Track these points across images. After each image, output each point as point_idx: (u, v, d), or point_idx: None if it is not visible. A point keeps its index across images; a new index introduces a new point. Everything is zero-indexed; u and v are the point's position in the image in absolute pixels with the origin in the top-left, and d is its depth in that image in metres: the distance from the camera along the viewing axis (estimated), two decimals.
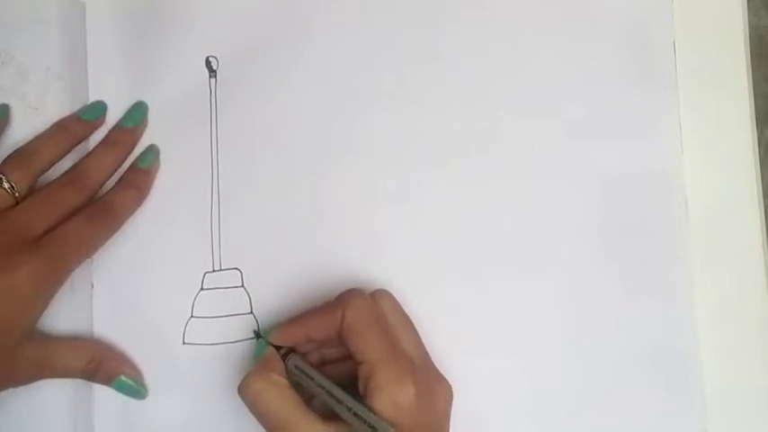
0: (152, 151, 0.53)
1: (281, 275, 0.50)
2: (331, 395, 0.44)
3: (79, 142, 0.52)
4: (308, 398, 0.46)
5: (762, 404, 0.50)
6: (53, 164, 0.51)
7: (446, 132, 0.52)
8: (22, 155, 0.50)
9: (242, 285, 0.52)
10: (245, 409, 0.50)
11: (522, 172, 0.52)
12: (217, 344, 0.51)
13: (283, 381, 0.45)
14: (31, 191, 0.49)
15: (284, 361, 0.46)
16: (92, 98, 0.53)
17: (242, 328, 0.51)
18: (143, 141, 0.53)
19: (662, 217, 0.51)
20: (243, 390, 0.45)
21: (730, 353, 0.50)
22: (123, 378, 0.50)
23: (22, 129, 0.51)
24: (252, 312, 0.51)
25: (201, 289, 0.52)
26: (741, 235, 0.51)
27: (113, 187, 0.51)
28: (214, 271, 0.52)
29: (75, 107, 0.52)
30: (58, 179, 0.50)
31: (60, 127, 0.51)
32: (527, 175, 0.52)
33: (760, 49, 0.56)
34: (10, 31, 0.52)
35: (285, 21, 0.53)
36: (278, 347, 0.47)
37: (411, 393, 0.43)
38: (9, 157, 0.49)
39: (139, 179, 0.52)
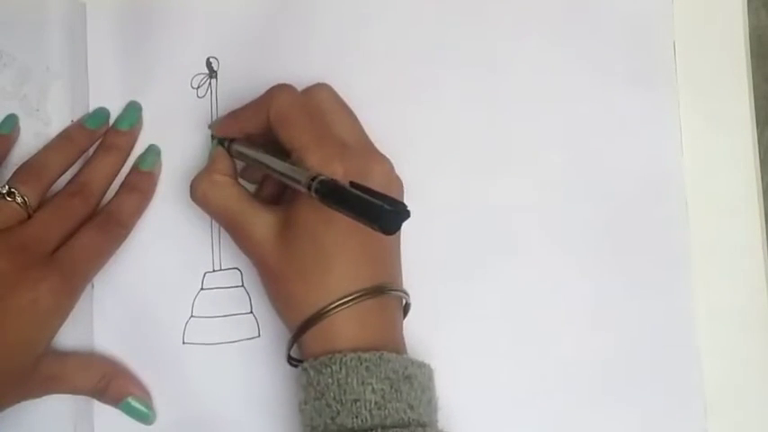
0: (153, 152, 0.53)
1: None
2: (268, 166, 0.46)
3: (85, 152, 0.52)
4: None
5: (762, 404, 0.50)
6: (61, 175, 0.51)
7: (445, 132, 0.52)
8: (31, 168, 0.50)
9: (242, 285, 0.52)
10: (246, 409, 0.50)
11: (522, 172, 0.52)
12: (217, 343, 0.51)
13: (226, 178, 0.48)
14: (41, 203, 0.49)
15: (230, 152, 0.49)
16: (92, 98, 0.53)
17: (242, 328, 0.51)
18: (144, 142, 0.53)
19: (662, 217, 0.51)
20: (192, 194, 0.48)
21: (730, 353, 0.50)
22: (131, 400, 0.50)
23: (23, 130, 0.51)
24: (252, 312, 0.51)
25: (201, 289, 0.52)
26: (741, 235, 0.51)
27: (118, 192, 0.51)
28: (214, 271, 0.52)
29: (76, 107, 0.52)
30: (64, 190, 0.50)
31: (66, 137, 0.51)
32: (526, 175, 0.52)
33: (760, 49, 0.56)
34: (10, 31, 0.52)
35: (285, 21, 0.53)
36: (224, 143, 0.49)
37: (339, 172, 0.44)
38: (19, 170, 0.50)
39: (142, 182, 0.52)
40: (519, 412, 0.50)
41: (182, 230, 0.52)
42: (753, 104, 0.51)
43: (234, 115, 0.49)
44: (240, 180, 0.50)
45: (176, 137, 0.53)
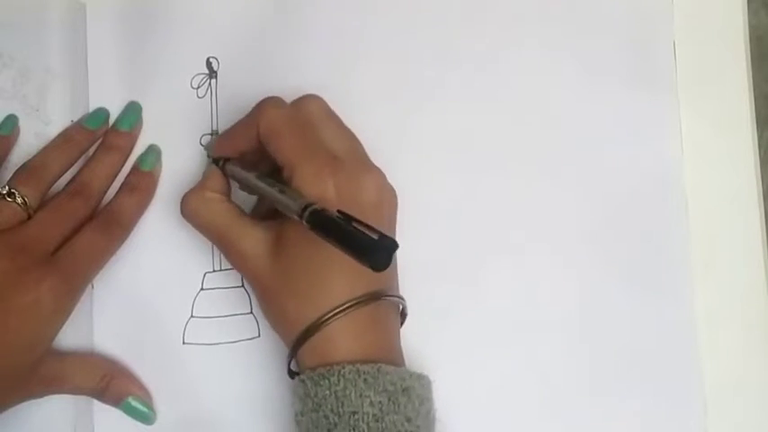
0: (153, 152, 0.53)
1: None
2: (258, 187, 0.46)
3: (84, 152, 0.52)
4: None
5: (762, 404, 0.50)
6: (61, 176, 0.51)
7: (445, 133, 0.52)
8: (32, 169, 0.50)
9: (242, 285, 0.52)
10: (246, 409, 0.50)
11: (523, 172, 0.52)
12: (217, 344, 0.51)
13: (216, 195, 0.48)
14: (42, 204, 0.49)
15: (224, 172, 0.48)
16: (92, 98, 0.53)
17: (242, 328, 0.51)
18: (144, 142, 0.53)
19: (662, 217, 0.51)
20: (182, 209, 0.48)
21: (730, 353, 0.50)
22: (131, 400, 0.50)
23: (23, 130, 0.51)
24: (252, 312, 0.51)
25: (201, 289, 0.52)
26: (741, 235, 0.51)
27: (118, 192, 0.52)
28: (214, 271, 0.52)
29: (76, 107, 0.52)
30: (64, 190, 0.50)
31: (66, 138, 0.51)
32: (527, 176, 0.52)
33: (760, 49, 0.56)
34: (10, 31, 0.52)
35: (285, 21, 0.53)
36: (218, 163, 0.49)
37: (330, 189, 0.44)
38: (19, 171, 0.50)
39: (143, 182, 0.52)
40: (518, 412, 0.50)
41: (182, 231, 0.52)
42: (753, 104, 0.51)
43: (227, 135, 0.49)
44: (242, 192, 0.50)
45: (176, 137, 0.53)
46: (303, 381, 0.43)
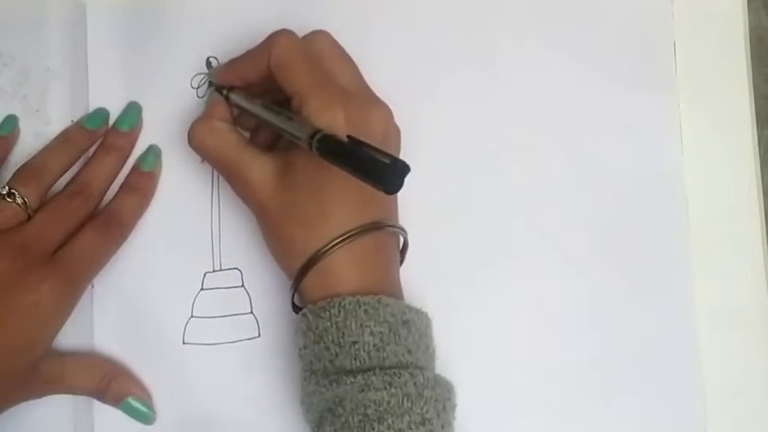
0: (153, 153, 0.53)
1: (281, 275, 0.50)
2: (264, 115, 0.46)
3: (84, 152, 0.52)
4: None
5: (762, 404, 0.50)
6: (61, 176, 0.51)
7: (445, 133, 0.52)
8: (32, 169, 0.50)
9: (242, 285, 0.52)
10: (246, 409, 0.51)
11: (523, 172, 0.52)
12: (217, 344, 0.51)
13: (224, 125, 0.48)
14: (41, 204, 0.49)
15: (228, 101, 0.49)
16: (92, 98, 0.53)
17: (242, 328, 0.51)
18: (144, 142, 0.53)
19: (662, 217, 0.51)
20: (189, 139, 0.48)
21: (730, 353, 0.50)
22: (131, 400, 0.50)
23: (23, 130, 0.52)
24: (252, 312, 0.51)
25: (201, 289, 0.52)
26: (741, 235, 0.51)
27: (118, 193, 0.52)
28: (214, 271, 0.52)
29: (76, 107, 0.52)
30: (64, 191, 0.50)
31: (66, 138, 0.51)
32: (528, 175, 0.52)
33: (760, 49, 0.56)
34: (10, 31, 0.52)
35: (285, 21, 0.53)
36: (222, 91, 0.49)
37: (340, 119, 0.44)
38: (19, 171, 0.50)
39: (143, 182, 0.52)
40: (518, 412, 0.50)
41: (182, 231, 0.52)
42: (753, 104, 0.52)
43: (234, 63, 0.49)
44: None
45: (176, 137, 0.53)
46: (305, 315, 0.44)
